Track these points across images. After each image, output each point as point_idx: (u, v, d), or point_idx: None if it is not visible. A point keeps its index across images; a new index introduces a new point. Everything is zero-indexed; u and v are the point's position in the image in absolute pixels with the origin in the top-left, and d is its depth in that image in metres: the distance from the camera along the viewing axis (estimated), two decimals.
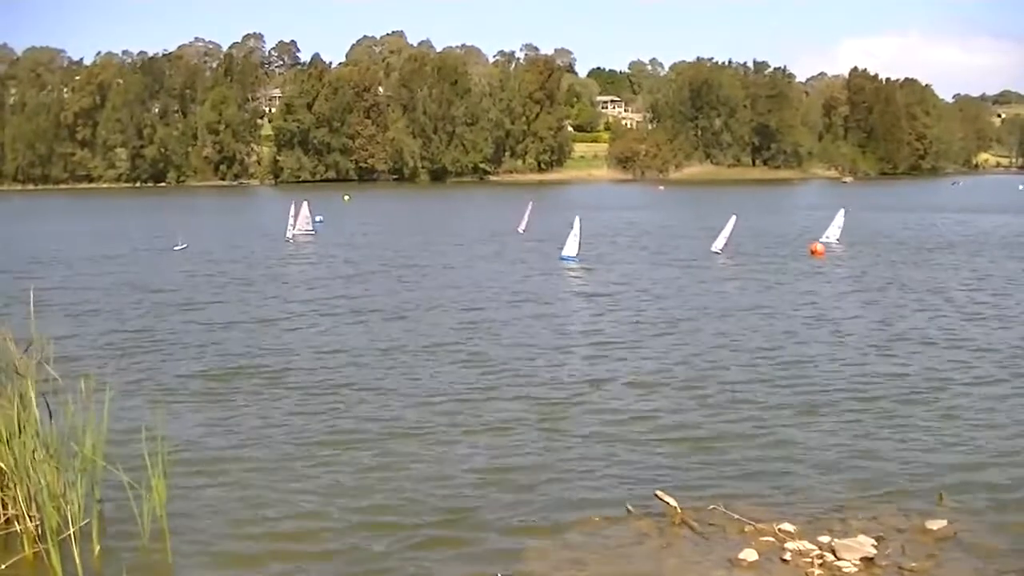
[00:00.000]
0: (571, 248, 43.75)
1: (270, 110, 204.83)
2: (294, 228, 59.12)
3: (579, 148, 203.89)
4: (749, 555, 11.49)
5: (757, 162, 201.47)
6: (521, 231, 59.68)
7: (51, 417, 12.44)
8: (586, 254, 45.04)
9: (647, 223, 69.60)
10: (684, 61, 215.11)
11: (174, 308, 30.88)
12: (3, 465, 12.03)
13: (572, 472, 14.61)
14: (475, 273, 40.07)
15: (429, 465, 14.86)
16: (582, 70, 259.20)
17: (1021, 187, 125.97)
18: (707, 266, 41.82)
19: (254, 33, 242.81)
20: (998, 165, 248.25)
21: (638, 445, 15.89)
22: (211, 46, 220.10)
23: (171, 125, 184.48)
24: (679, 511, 12.74)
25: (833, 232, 49.90)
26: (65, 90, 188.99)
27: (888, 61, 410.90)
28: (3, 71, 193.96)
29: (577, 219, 44.64)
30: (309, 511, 13.08)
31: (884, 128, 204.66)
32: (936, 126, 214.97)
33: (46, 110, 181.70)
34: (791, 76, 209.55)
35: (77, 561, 11.03)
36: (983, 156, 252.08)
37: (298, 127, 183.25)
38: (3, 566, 11.37)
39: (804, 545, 11.72)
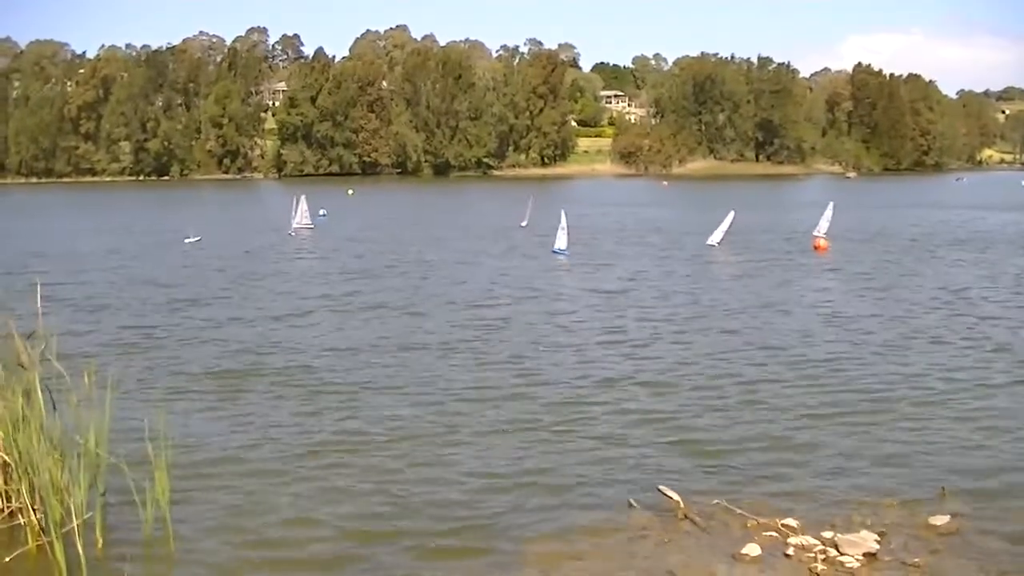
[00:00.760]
0: (561, 242, 44.22)
1: (274, 104, 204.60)
2: (302, 221, 59.79)
3: (582, 143, 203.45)
4: (752, 550, 11.51)
5: (760, 157, 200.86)
6: (523, 225, 60.05)
7: (56, 411, 12.46)
8: (594, 250, 45.23)
9: (655, 219, 69.43)
10: (688, 56, 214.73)
11: (182, 303, 30.84)
12: (8, 458, 12.06)
13: (575, 467, 14.63)
14: (482, 269, 39.99)
15: (433, 468, 14.81)
16: (586, 65, 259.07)
17: None
18: (712, 262, 41.81)
19: (258, 27, 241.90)
20: (1002, 161, 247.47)
21: (640, 440, 15.91)
22: (215, 40, 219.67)
23: (175, 119, 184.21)
24: (682, 506, 12.75)
25: (823, 225, 50.16)
26: (69, 84, 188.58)
27: (892, 57, 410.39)
28: (7, 64, 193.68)
29: (563, 213, 45.08)
30: (314, 511, 13.03)
31: (888, 124, 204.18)
32: (940, 122, 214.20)
33: (50, 103, 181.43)
34: (795, 71, 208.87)
35: (80, 553, 11.05)
36: (987, 152, 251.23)
37: (301, 121, 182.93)
38: (8, 558, 11.41)
39: (807, 540, 11.74)
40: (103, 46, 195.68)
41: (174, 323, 27.16)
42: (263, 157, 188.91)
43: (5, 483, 12.28)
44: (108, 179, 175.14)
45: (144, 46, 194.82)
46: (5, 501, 12.30)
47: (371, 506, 13.21)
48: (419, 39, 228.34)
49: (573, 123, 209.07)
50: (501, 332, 25.47)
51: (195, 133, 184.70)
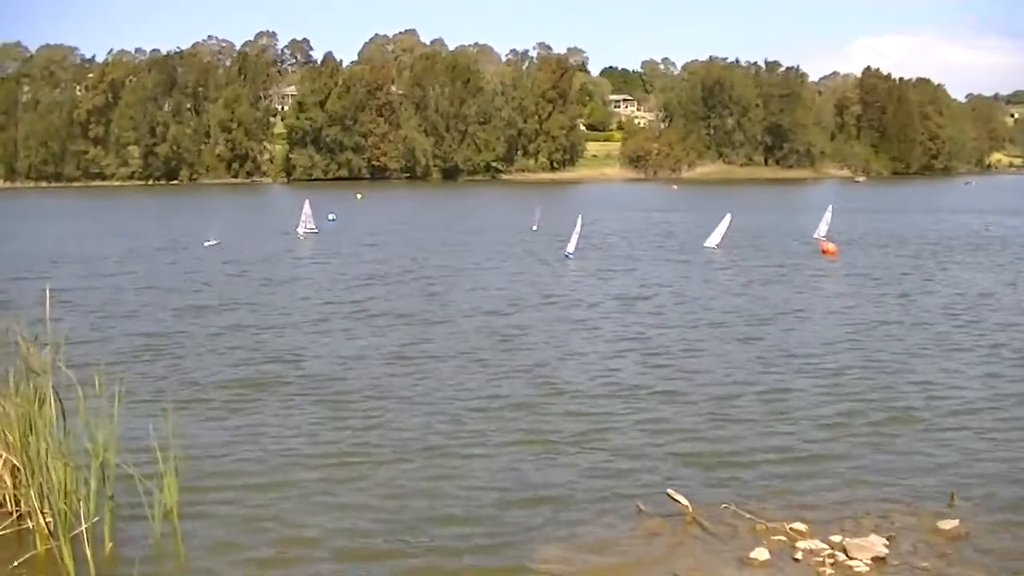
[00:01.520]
0: (572, 245, 45.00)
1: (283, 108, 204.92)
2: (306, 226, 60.32)
3: (591, 147, 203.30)
4: (761, 554, 11.50)
5: (769, 161, 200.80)
6: (534, 229, 60.45)
7: (64, 415, 12.49)
8: (607, 254, 45.61)
9: (666, 223, 69.26)
10: (696, 60, 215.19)
11: (194, 309, 30.66)
12: (17, 462, 12.10)
13: (584, 472, 14.63)
14: (495, 275, 39.67)
15: (444, 478, 14.75)
16: (595, 69, 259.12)
17: None
18: (724, 267, 41.67)
19: (267, 31, 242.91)
20: (1011, 165, 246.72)
21: (650, 445, 15.90)
22: (224, 44, 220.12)
23: (184, 123, 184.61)
24: (690, 510, 12.74)
25: (822, 228, 50.62)
26: (78, 88, 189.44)
27: (900, 60, 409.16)
28: (17, 69, 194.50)
29: (579, 218, 45.67)
30: (326, 521, 12.90)
31: (897, 128, 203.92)
32: (949, 126, 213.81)
33: (59, 108, 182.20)
34: (804, 75, 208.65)
35: (89, 557, 11.07)
36: (996, 156, 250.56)
37: (310, 125, 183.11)
38: (16, 562, 11.43)
39: (816, 544, 11.72)
40: (112, 50, 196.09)
41: (187, 329, 27.04)
42: (272, 161, 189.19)
43: (14, 486, 12.33)
44: (117, 183, 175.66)
45: (153, 50, 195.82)
46: (14, 504, 12.34)
47: (383, 520, 13.00)
48: (428, 43, 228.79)
49: (582, 127, 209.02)
50: (515, 340, 25.15)
51: (204, 137, 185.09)
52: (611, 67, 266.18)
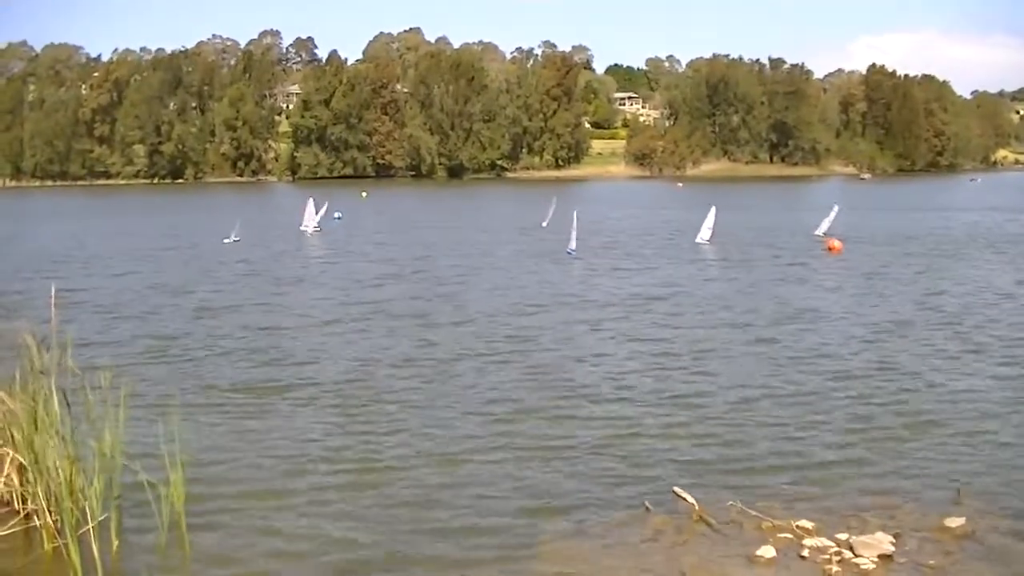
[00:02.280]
0: (573, 242, 45.28)
1: (288, 107, 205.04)
2: (314, 225, 60.64)
3: (596, 145, 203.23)
4: (767, 552, 11.50)
5: (775, 159, 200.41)
6: (544, 226, 60.65)
7: (71, 414, 12.50)
8: (616, 253, 45.69)
9: (672, 220, 68.86)
10: (701, 58, 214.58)
11: (203, 310, 30.53)
12: (24, 461, 12.12)
13: (591, 470, 14.64)
14: (506, 274, 39.47)
15: (450, 482, 14.78)
16: (599, 67, 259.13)
17: None
18: (736, 265, 41.49)
19: (271, 30, 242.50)
20: (1016, 162, 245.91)
21: (656, 442, 15.90)
22: (229, 43, 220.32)
23: (189, 122, 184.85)
24: (697, 508, 12.74)
25: (824, 225, 51.02)
26: (83, 87, 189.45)
27: (905, 57, 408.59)
28: (22, 68, 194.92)
29: (575, 215, 46.08)
30: (332, 526, 12.82)
31: (902, 125, 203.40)
32: (954, 123, 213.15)
33: (64, 107, 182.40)
34: (809, 73, 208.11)
35: (96, 556, 11.08)
36: (1002, 153, 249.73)
37: (315, 123, 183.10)
38: (23, 561, 11.46)
39: (822, 542, 11.72)
40: (117, 50, 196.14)
41: (197, 330, 26.95)
42: (277, 160, 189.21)
43: (21, 485, 12.36)
44: (122, 182, 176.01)
45: (158, 49, 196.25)
46: (21, 503, 12.37)
47: (394, 528, 12.84)
48: (433, 41, 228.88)
49: (587, 125, 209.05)
50: (526, 341, 24.89)
51: (209, 136, 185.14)
52: (616, 65, 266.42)
